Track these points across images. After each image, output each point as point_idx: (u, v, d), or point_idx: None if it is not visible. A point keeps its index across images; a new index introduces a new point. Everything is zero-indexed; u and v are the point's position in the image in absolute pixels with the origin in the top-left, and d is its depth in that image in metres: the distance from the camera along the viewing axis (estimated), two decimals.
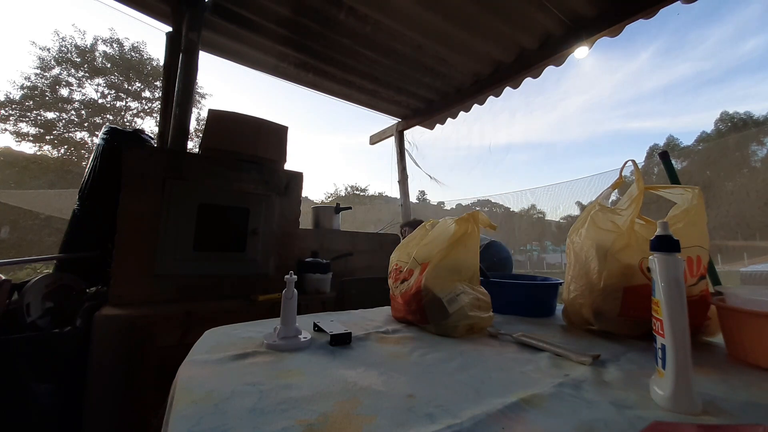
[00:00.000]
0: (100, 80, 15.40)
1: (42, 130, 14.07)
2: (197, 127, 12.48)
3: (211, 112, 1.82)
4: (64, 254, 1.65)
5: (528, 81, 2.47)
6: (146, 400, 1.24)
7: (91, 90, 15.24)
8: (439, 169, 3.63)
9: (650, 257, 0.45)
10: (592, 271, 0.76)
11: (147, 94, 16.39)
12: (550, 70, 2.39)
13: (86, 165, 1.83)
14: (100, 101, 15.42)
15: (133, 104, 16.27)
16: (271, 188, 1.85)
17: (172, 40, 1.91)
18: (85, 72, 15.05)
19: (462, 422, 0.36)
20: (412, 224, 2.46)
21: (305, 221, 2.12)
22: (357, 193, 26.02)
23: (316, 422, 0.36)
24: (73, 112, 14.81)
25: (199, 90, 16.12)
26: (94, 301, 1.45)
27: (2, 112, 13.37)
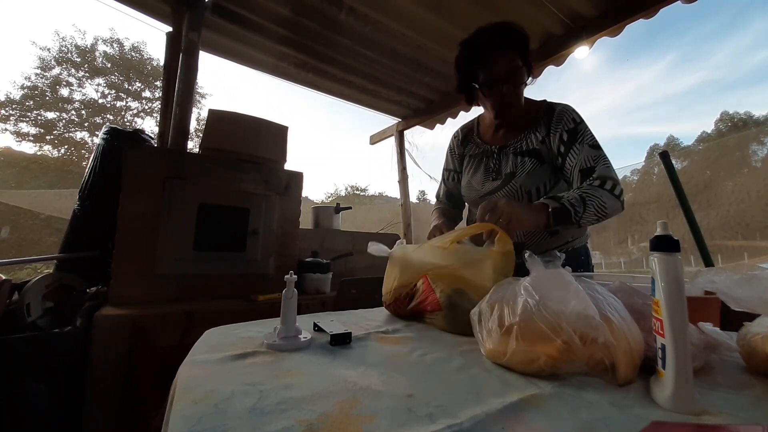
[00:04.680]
0: (100, 80, 15.43)
1: (42, 130, 14.09)
2: (197, 127, 12.51)
3: (211, 112, 1.82)
4: (64, 254, 1.65)
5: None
6: (146, 400, 1.24)
7: (91, 90, 15.29)
8: (440, 169, 3.62)
9: (650, 257, 0.45)
10: None
11: (147, 94, 16.43)
12: (550, 71, 2.39)
13: (86, 165, 1.84)
14: (100, 101, 15.45)
15: (133, 104, 16.32)
16: (271, 188, 1.85)
17: (172, 40, 1.91)
18: (86, 72, 15.08)
19: (462, 422, 0.36)
20: None
21: (305, 221, 2.12)
22: (357, 193, 26.02)
23: (316, 422, 0.36)
24: (73, 112, 14.84)
25: (199, 90, 16.13)
26: (94, 301, 1.45)
27: (2, 112, 13.39)
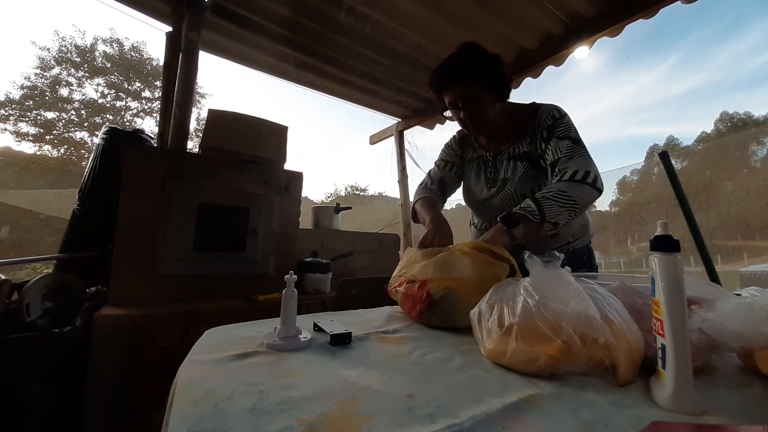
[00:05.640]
0: (100, 80, 15.42)
1: (42, 130, 14.08)
2: (197, 127, 12.50)
3: (211, 112, 1.82)
4: (64, 254, 1.65)
5: (528, 81, 2.48)
6: (146, 400, 1.24)
7: (91, 90, 15.29)
8: None
9: (650, 257, 0.45)
10: None
11: (147, 94, 16.42)
12: (550, 71, 2.39)
13: (86, 165, 1.84)
14: (100, 101, 15.44)
15: (133, 104, 16.31)
16: (271, 188, 1.85)
17: (172, 40, 1.91)
18: (85, 72, 15.07)
19: (462, 422, 0.36)
20: None
21: (305, 221, 2.12)
22: (357, 193, 26.01)
23: (316, 422, 0.36)
24: (73, 112, 14.83)
25: (199, 90, 16.11)
26: (94, 300, 1.45)
27: (2, 112, 13.38)
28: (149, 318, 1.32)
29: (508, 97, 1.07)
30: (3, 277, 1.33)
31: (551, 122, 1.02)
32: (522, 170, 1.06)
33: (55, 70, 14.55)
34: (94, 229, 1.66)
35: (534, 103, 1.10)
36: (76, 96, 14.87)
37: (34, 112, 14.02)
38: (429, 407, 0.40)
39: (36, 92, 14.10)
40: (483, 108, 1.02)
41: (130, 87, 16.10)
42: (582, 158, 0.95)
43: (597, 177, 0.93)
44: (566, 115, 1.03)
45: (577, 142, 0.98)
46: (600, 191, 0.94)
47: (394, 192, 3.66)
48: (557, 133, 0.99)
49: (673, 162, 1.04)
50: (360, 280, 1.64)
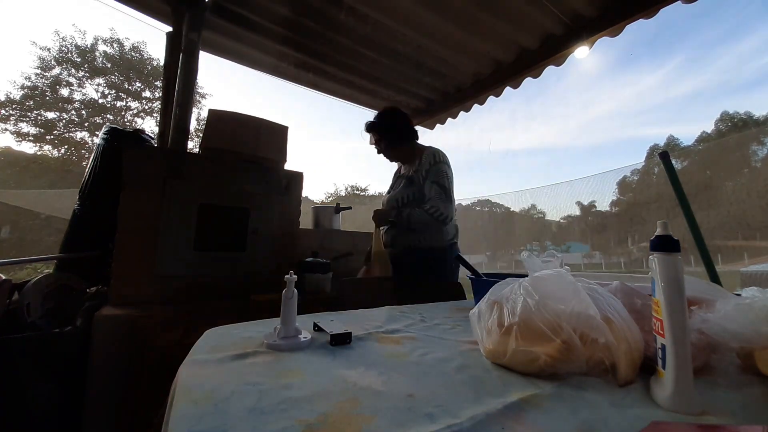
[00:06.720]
0: (100, 80, 15.43)
1: (42, 130, 14.09)
2: (197, 127, 12.51)
3: (211, 112, 1.82)
4: (65, 254, 1.65)
5: (528, 81, 2.47)
6: (146, 400, 1.24)
7: (92, 90, 15.29)
8: None
9: (650, 257, 0.45)
10: None
11: (147, 94, 16.42)
12: (551, 71, 2.39)
13: (86, 165, 1.84)
14: (100, 101, 15.44)
15: (134, 104, 16.31)
16: (271, 188, 1.85)
17: (172, 40, 1.91)
18: (86, 72, 15.07)
19: (462, 422, 0.36)
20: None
21: (305, 221, 2.12)
22: (357, 193, 26.00)
23: (316, 422, 0.36)
24: (73, 112, 14.84)
25: (199, 90, 16.12)
26: (94, 300, 1.45)
27: (2, 112, 13.38)
28: (149, 318, 1.31)
29: (402, 141, 1.82)
30: (3, 277, 1.33)
31: (428, 167, 1.69)
32: (401, 185, 1.81)
33: (56, 70, 14.55)
34: (95, 229, 1.66)
35: (422, 146, 1.83)
36: (77, 96, 14.87)
37: (35, 112, 14.02)
38: (429, 407, 0.40)
39: (36, 92, 14.10)
40: (382, 148, 1.86)
41: (130, 87, 16.10)
42: (440, 199, 1.63)
43: (446, 216, 1.62)
44: (441, 162, 1.69)
45: (440, 186, 1.64)
46: (442, 223, 1.65)
47: None
48: (432, 177, 1.67)
49: (673, 162, 1.04)
50: (360, 280, 1.64)
